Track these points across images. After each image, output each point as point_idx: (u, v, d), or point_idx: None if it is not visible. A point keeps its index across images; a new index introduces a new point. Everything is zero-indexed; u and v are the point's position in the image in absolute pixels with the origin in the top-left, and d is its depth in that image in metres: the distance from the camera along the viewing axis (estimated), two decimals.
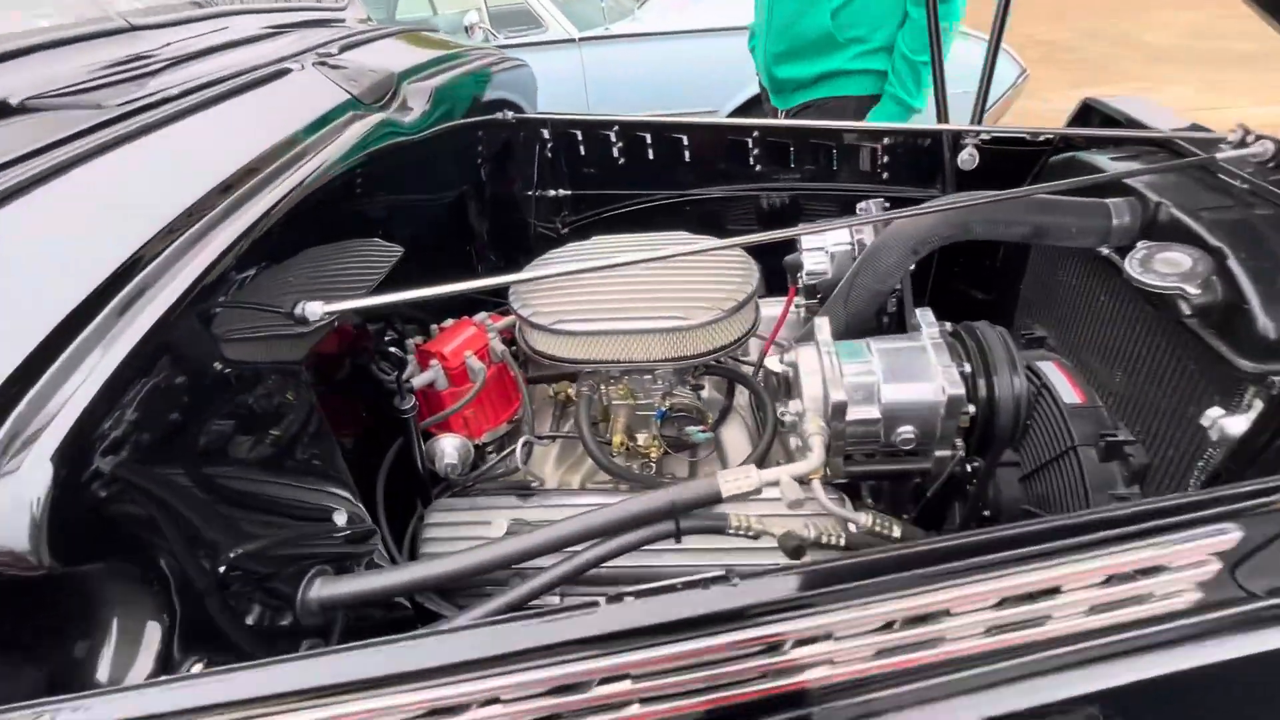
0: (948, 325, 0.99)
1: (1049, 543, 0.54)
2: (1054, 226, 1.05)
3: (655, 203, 1.88)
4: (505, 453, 1.24)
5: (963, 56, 2.75)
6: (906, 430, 0.94)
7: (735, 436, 1.27)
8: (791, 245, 1.44)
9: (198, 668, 0.61)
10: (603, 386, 1.20)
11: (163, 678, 0.56)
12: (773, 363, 1.18)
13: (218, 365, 0.68)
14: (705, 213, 1.89)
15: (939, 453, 0.97)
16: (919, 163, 1.60)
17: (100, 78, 0.89)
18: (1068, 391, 1.19)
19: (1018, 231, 1.06)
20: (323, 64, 1.05)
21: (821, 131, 1.67)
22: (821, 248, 1.32)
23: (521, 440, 1.18)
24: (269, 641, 0.71)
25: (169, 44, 1.03)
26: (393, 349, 1.09)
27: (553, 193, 1.90)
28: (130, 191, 0.71)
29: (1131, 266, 0.94)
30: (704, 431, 1.16)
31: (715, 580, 0.54)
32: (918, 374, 0.94)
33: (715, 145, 1.79)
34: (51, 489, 0.49)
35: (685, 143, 1.79)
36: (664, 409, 1.16)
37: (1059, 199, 1.06)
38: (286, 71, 0.98)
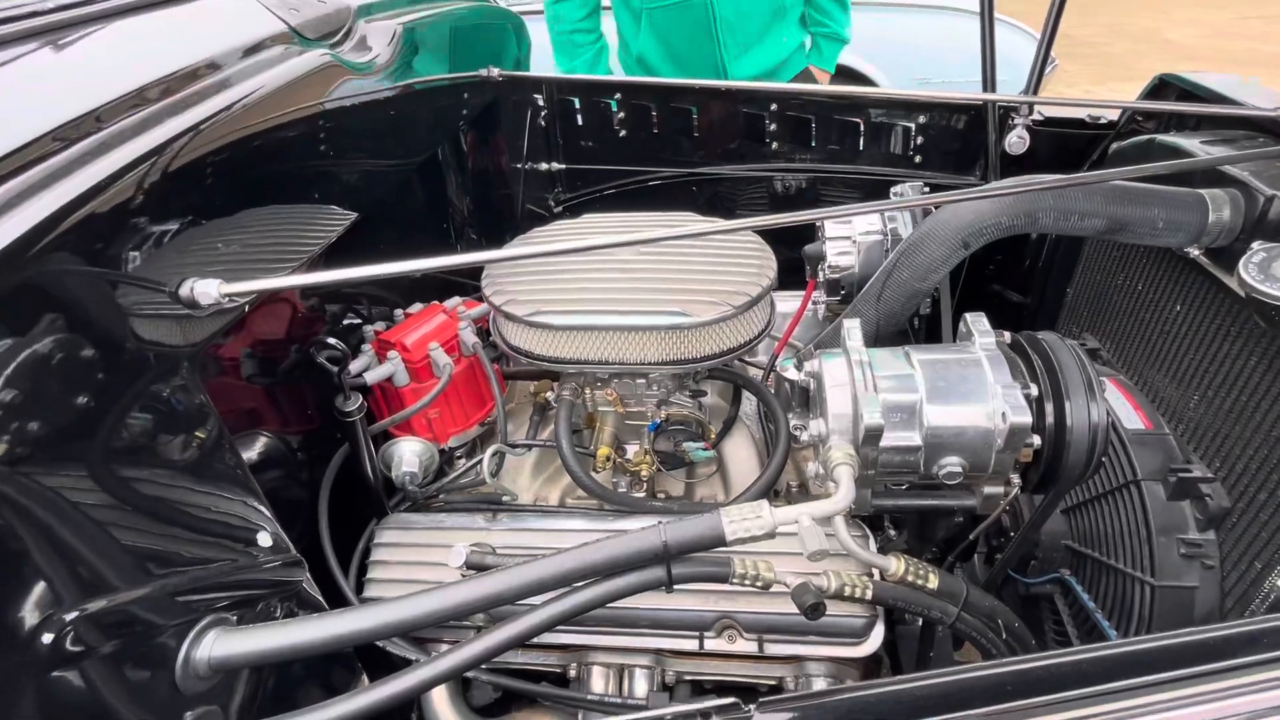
0: (1005, 335, 0.82)
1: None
2: (1137, 220, 0.87)
3: (659, 180, 1.70)
4: (474, 461, 1.07)
5: (1001, 43, 2.55)
6: (952, 463, 0.77)
7: (740, 452, 1.10)
8: (811, 233, 1.27)
9: None
10: (588, 390, 1.03)
11: None
12: (789, 369, 1.01)
13: (77, 343, 0.50)
14: (714, 194, 1.71)
15: (989, 489, 0.80)
16: (958, 145, 1.41)
17: None
18: (1129, 415, 1.02)
19: (1093, 225, 0.89)
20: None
21: (847, 106, 1.48)
22: (847, 236, 1.15)
23: (491, 449, 1.00)
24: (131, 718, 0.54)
25: None
26: (332, 340, 0.92)
27: (545, 166, 1.72)
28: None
29: (1248, 272, 0.76)
30: (705, 449, 0.99)
31: (722, 710, 0.37)
32: (970, 394, 0.77)
33: (727, 120, 1.60)
34: None
35: (694, 116, 1.61)
36: (658, 420, 0.99)
37: (1145, 187, 0.88)
38: None
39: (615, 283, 0.95)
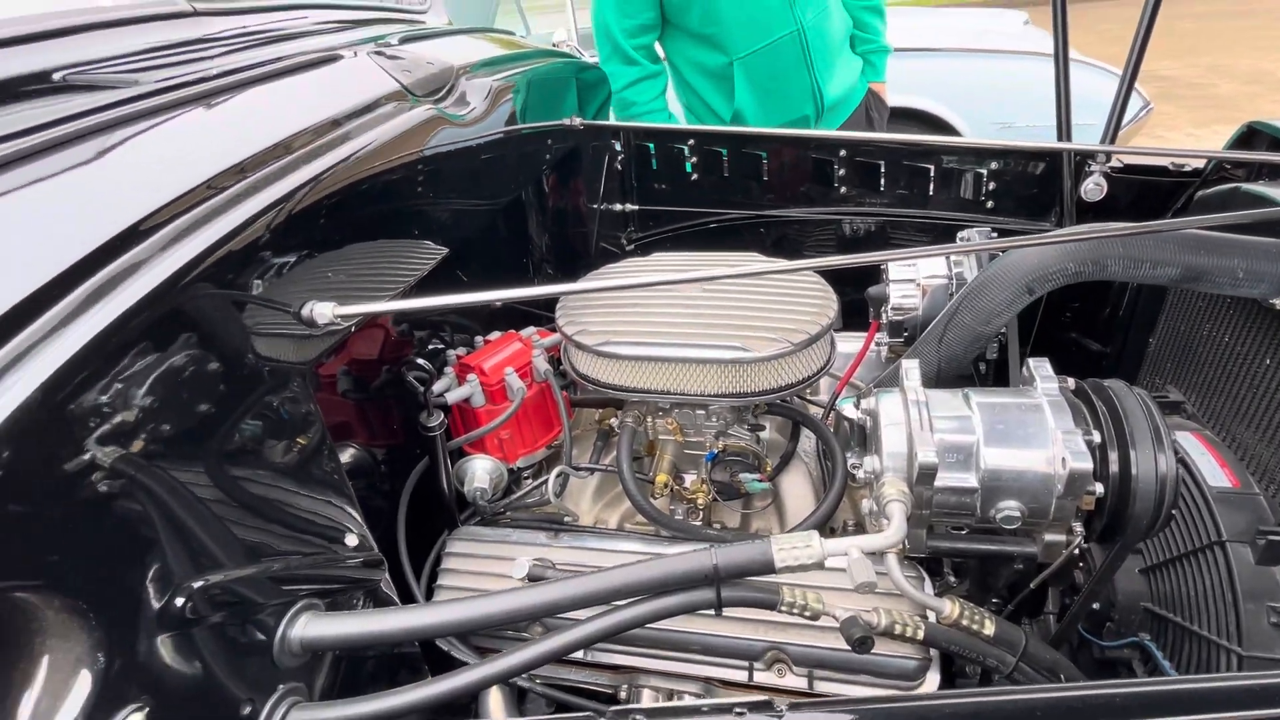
0: (1069, 381, 0.81)
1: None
2: (1214, 269, 0.85)
3: (728, 222, 1.76)
4: (539, 481, 1.13)
5: (1084, 86, 2.51)
6: (1010, 506, 0.77)
7: (796, 487, 1.11)
8: (875, 275, 1.29)
9: (135, 718, 0.52)
10: (650, 418, 1.07)
11: None
12: (847, 407, 1.03)
13: (209, 357, 0.60)
14: (782, 236, 1.76)
15: (1050, 537, 0.79)
16: (1032, 191, 1.40)
17: (149, 58, 0.85)
18: (1214, 472, 0.97)
19: (1166, 274, 0.87)
20: (378, 54, 0.99)
21: (918, 152, 1.50)
22: (912, 280, 1.16)
23: (556, 470, 1.06)
24: (233, 683, 0.62)
25: (230, 30, 1.00)
26: (423, 360, 1.01)
27: (619, 207, 1.81)
28: (143, 165, 0.65)
29: None
30: (761, 481, 1.02)
31: (755, 709, 0.40)
32: (1030, 438, 0.77)
33: (797, 164, 1.65)
34: None
35: (764, 160, 1.66)
36: (716, 450, 1.02)
37: (1225, 236, 0.87)
38: (337, 58, 0.93)
39: (680, 317, 1.00)
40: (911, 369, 0.86)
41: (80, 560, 0.50)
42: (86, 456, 0.49)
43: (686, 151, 1.72)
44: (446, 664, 0.98)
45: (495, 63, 1.23)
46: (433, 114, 0.93)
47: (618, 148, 1.74)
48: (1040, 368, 0.82)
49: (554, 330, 1.25)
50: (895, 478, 0.79)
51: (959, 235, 1.23)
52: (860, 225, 1.66)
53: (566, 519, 1.10)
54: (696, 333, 0.98)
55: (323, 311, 0.68)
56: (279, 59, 0.89)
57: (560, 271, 1.74)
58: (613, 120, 1.82)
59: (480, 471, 1.13)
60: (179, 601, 0.56)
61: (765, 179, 1.68)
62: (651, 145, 1.74)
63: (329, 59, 0.92)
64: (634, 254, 1.85)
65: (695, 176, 1.74)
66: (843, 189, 1.61)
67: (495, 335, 1.28)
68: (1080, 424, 0.76)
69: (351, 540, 0.79)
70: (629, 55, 2.00)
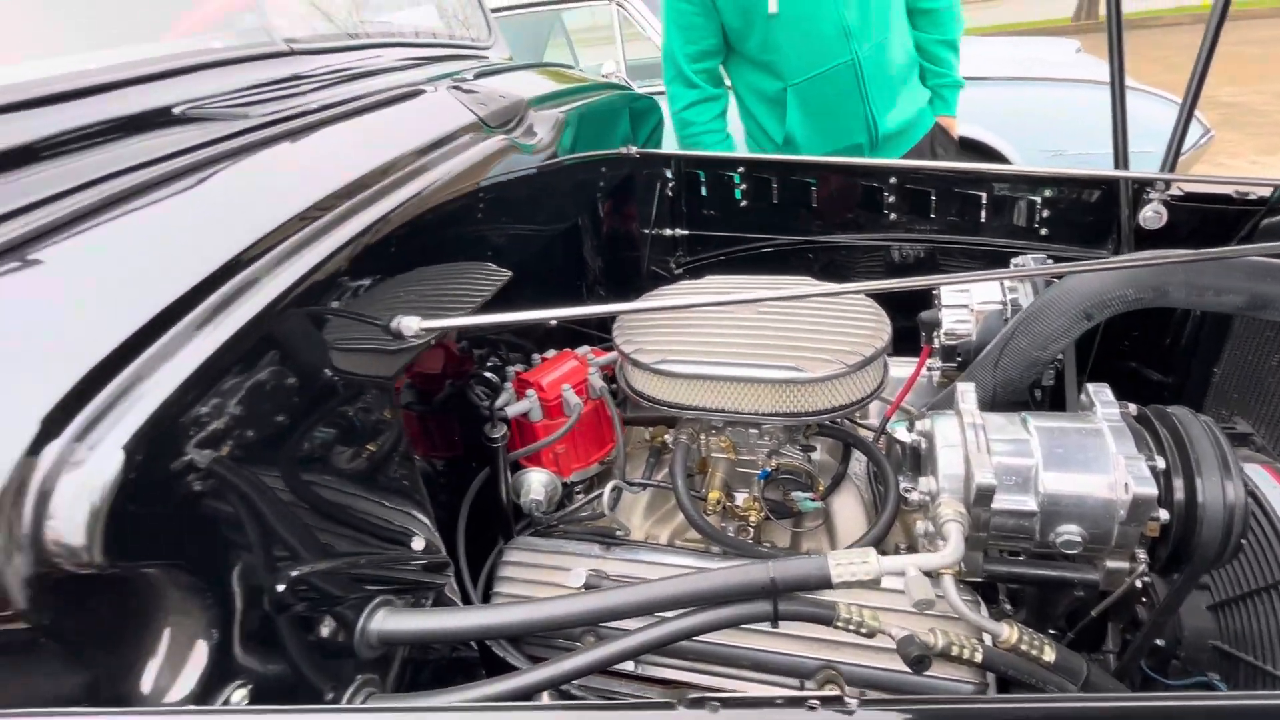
0: (1130, 407, 0.81)
1: None
2: None
3: (776, 247, 1.79)
4: (593, 495, 1.16)
5: (1140, 113, 2.48)
6: (1071, 531, 0.76)
7: (848, 509, 1.12)
8: (926, 300, 1.29)
9: (239, 693, 0.56)
10: (703, 436, 1.10)
11: (202, 708, 0.52)
12: (899, 430, 1.03)
13: (307, 371, 0.66)
14: (830, 261, 1.77)
15: (1112, 564, 0.78)
16: (1088, 218, 1.40)
17: (253, 93, 0.94)
18: None
19: (1231, 301, 0.86)
20: (456, 88, 1.06)
21: (970, 179, 1.51)
22: (965, 305, 1.17)
23: (610, 485, 1.09)
24: (318, 670, 0.66)
25: (321, 68, 1.08)
26: (490, 374, 1.06)
27: (669, 232, 1.85)
28: (250, 195, 0.72)
29: None
30: (813, 500, 1.03)
31: (826, 702, 0.42)
32: (1090, 463, 0.76)
33: (846, 190, 1.67)
34: (117, 482, 0.46)
35: (813, 186, 1.69)
36: (769, 469, 1.04)
37: None
38: (420, 93, 1.00)
39: (735, 337, 1.03)
40: (967, 392, 0.87)
41: (198, 548, 0.56)
42: (205, 457, 0.54)
43: (736, 179, 1.76)
44: (498, 670, 1.01)
45: (558, 95, 1.30)
46: (505, 144, 0.99)
47: (668, 175, 1.79)
48: (1100, 393, 0.82)
49: (607, 349, 1.30)
50: (951, 498, 0.79)
51: (1013, 261, 1.23)
52: (909, 251, 1.67)
53: (618, 533, 1.13)
54: (751, 352, 1.00)
55: (409, 325, 0.73)
56: (368, 94, 0.97)
57: (612, 293, 1.79)
58: (664, 146, 1.87)
59: (536, 484, 1.16)
60: (279, 589, 0.61)
61: (814, 205, 1.71)
62: (701, 173, 1.79)
63: (413, 93, 0.99)
64: (683, 278, 1.89)
65: (744, 203, 1.78)
66: (892, 215, 1.63)
67: (550, 353, 1.33)
68: (1143, 450, 0.76)
69: (421, 544, 0.84)
70: (690, 78, 2.07)
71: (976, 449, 0.80)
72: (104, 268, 0.60)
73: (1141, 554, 0.76)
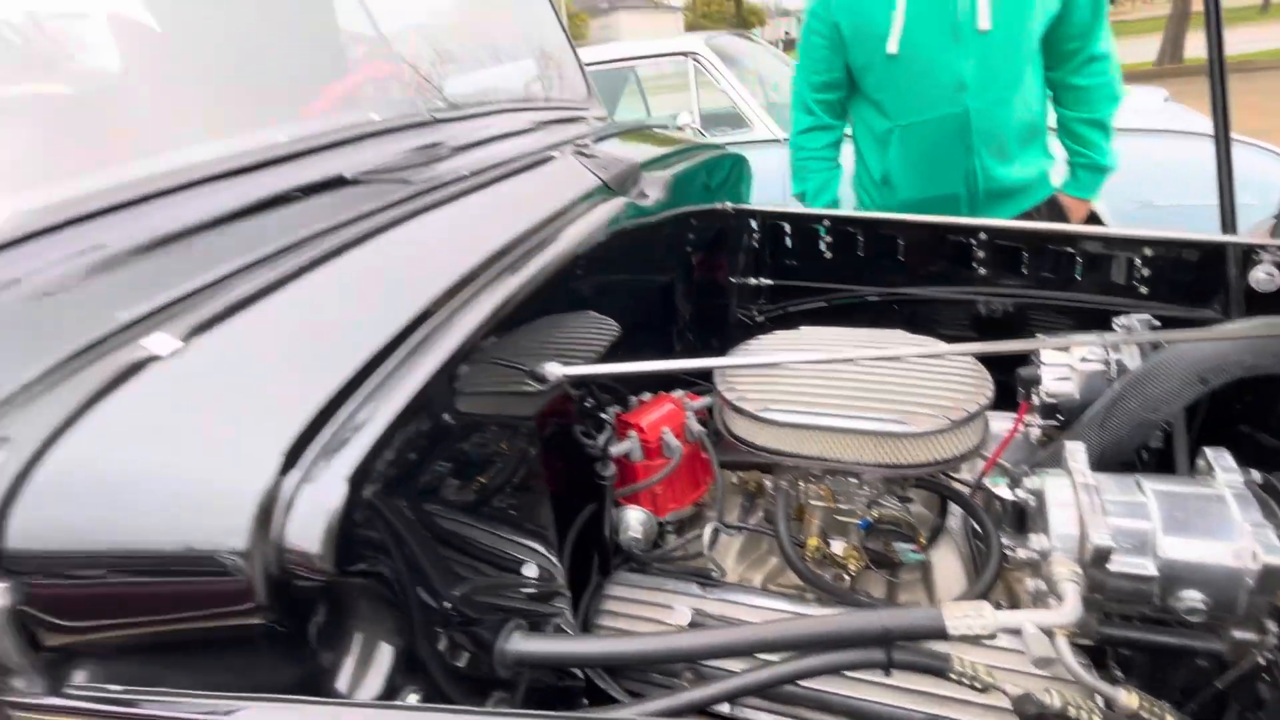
0: (1255, 474, 0.81)
1: None
2: None
3: (860, 298, 1.82)
4: (689, 536, 1.21)
5: (1239, 164, 2.41)
6: (1194, 597, 0.76)
7: (946, 562, 1.12)
8: (1025, 355, 1.30)
9: (413, 699, 0.63)
10: (800, 483, 1.13)
11: (393, 702, 0.59)
12: (1000, 487, 1.04)
13: (471, 413, 0.74)
14: (915, 313, 1.79)
15: (1239, 634, 0.77)
16: (1191, 277, 1.38)
17: (409, 160, 1.06)
18: None
19: None
20: (580, 154, 1.17)
21: (1064, 237, 1.51)
22: (1066, 363, 1.17)
23: (710, 527, 1.14)
24: (464, 685, 0.73)
25: (459, 134, 1.21)
26: (603, 415, 1.13)
27: (754, 281, 1.92)
28: (429, 254, 0.82)
29: None
30: (916, 552, 1.04)
31: None
32: (1213, 530, 0.76)
33: (933, 243, 1.70)
34: (341, 506, 0.54)
35: (899, 241, 1.73)
36: (871, 519, 1.06)
37: None
38: (550, 159, 1.11)
39: (835, 387, 1.07)
40: (1077, 451, 0.88)
41: (387, 565, 0.63)
42: (396, 488, 0.62)
43: (821, 230, 1.81)
44: (599, 701, 1.05)
45: (665, 158, 1.40)
46: (624, 206, 1.08)
47: (754, 226, 1.86)
48: (1220, 458, 0.82)
49: (700, 393, 1.36)
50: (1066, 558, 0.80)
51: (1115, 322, 1.23)
52: (998, 305, 1.67)
53: (713, 573, 1.17)
54: (852, 403, 1.04)
55: (553, 370, 0.81)
56: (506, 160, 1.08)
57: (699, 339, 1.86)
58: (761, 206, 1.93)
59: (634, 522, 1.22)
60: (442, 606, 0.68)
61: (900, 258, 1.74)
62: (787, 225, 1.85)
63: (544, 160, 1.10)
64: (765, 326, 1.94)
65: (829, 255, 1.82)
66: (981, 270, 1.64)
67: (646, 396, 1.40)
68: (1270, 519, 0.75)
69: (547, 573, 0.90)
70: (809, 105, 2.15)
71: (1091, 509, 0.81)
72: (310, 322, 0.70)
73: (1272, 625, 0.75)
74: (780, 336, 1.29)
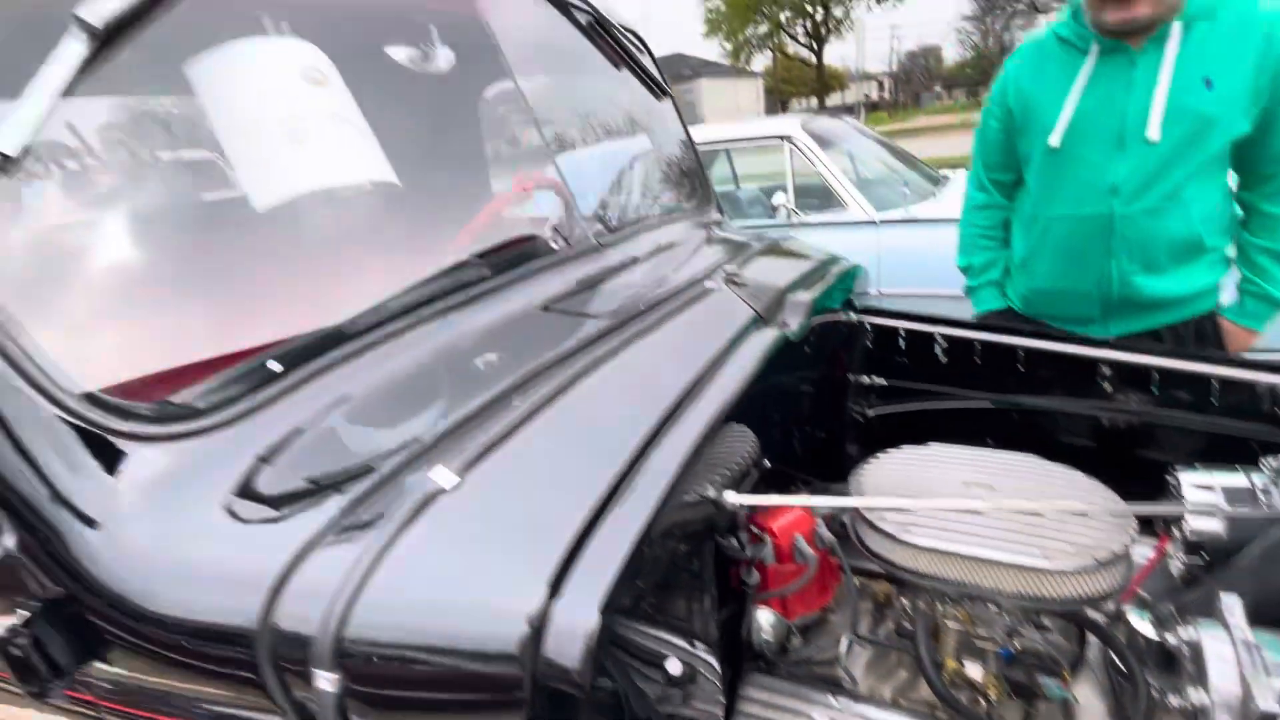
0: None
1: None
2: None
3: (973, 404, 1.85)
4: (817, 641, 1.26)
5: None
6: None
7: (1085, 697, 1.13)
8: (1162, 483, 1.29)
9: None
10: (938, 604, 1.18)
11: None
12: (1144, 624, 1.05)
13: (667, 537, 0.85)
14: (1031, 423, 1.79)
15: None
16: None
17: (584, 288, 1.22)
18: None
19: None
20: (732, 283, 1.30)
21: (1199, 360, 1.52)
22: (1212, 499, 1.18)
23: (846, 639, 1.19)
24: None
25: (619, 258, 1.37)
26: (755, 525, 1.22)
27: (866, 379, 1.98)
28: (631, 391, 0.96)
29: None
30: (1062, 688, 1.06)
31: None
32: None
33: (1054, 358, 1.72)
34: (598, 628, 0.65)
35: (1019, 352, 1.76)
36: (1012, 649, 1.09)
37: None
38: (708, 291, 1.25)
39: (975, 512, 1.12)
40: (1234, 606, 0.90)
41: (609, 674, 0.74)
42: (626, 604, 0.74)
43: (937, 336, 1.87)
44: None
45: (803, 279, 1.52)
46: (777, 334, 1.20)
47: (868, 327, 1.94)
48: None
49: (818, 491, 1.42)
50: (1228, 716, 0.82)
51: (1263, 462, 1.22)
52: (1123, 421, 1.66)
53: (844, 683, 1.21)
54: (993, 532, 1.09)
55: (731, 498, 0.92)
56: (673, 289, 1.22)
57: (812, 431, 1.93)
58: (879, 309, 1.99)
59: (766, 624, 1.28)
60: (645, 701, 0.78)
61: (1020, 367, 1.77)
62: (901, 327, 1.92)
63: (703, 293, 1.24)
64: (875, 423, 1.99)
65: (944, 360, 1.87)
66: (1106, 386, 1.65)
67: (772, 497, 1.47)
68: None
69: (706, 673, 0.99)
70: (982, 183, 2.23)
71: (1253, 669, 0.83)
72: (550, 456, 0.84)
73: None
74: (911, 453, 1.35)
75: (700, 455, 0.91)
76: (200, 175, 1.07)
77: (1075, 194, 1.94)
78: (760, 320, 1.21)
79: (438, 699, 0.67)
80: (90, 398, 0.76)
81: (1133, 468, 1.34)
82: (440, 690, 0.67)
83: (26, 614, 0.72)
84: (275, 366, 0.91)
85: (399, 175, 1.15)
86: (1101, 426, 1.70)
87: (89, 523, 0.72)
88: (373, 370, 0.95)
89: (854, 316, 1.71)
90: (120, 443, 0.76)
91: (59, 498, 0.72)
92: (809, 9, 42.02)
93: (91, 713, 0.80)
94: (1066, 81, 1.90)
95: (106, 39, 0.82)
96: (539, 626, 0.65)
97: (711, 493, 0.94)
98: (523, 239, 1.36)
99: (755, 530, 1.33)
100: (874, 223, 4.25)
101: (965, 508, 1.09)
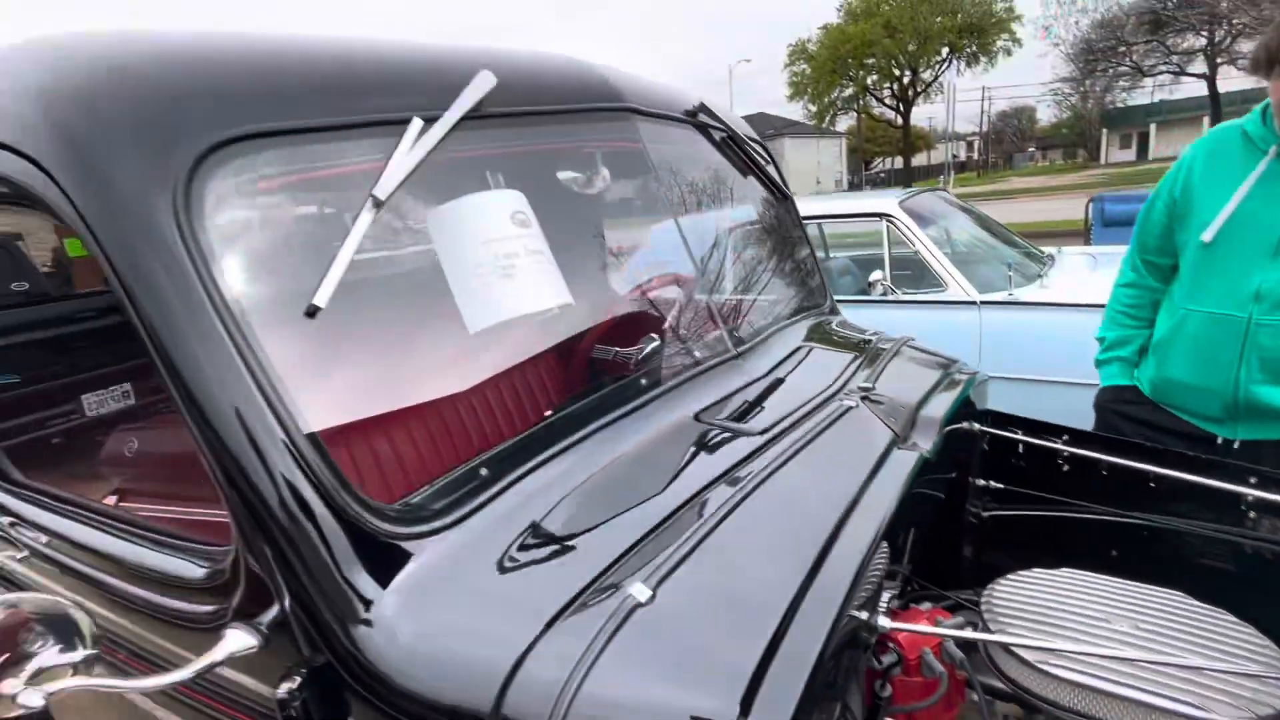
0: None
1: None
2: None
3: (1096, 518, 1.81)
4: None
5: None
6: None
7: None
8: None
9: None
10: None
11: None
12: None
13: (834, 659, 0.92)
14: (1162, 544, 1.73)
15: None
16: None
17: (730, 398, 1.33)
18: None
19: None
20: (867, 399, 1.39)
21: None
22: None
23: None
24: None
25: (762, 368, 1.49)
26: (893, 644, 1.27)
27: (982, 481, 1.99)
28: (795, 508, 1.05)
29: None
30: None
31: None
32: None
33: (1189, 473, 1.68)
34: None
35: (1151, 467, 1.73)
36: None
37: None
38: (848, 409, 1.34)
39: (1121, 650, 1.13)
40: None
41: None
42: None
43: (1060, 445, 1.86)
44: None
45: (932, 391, 1.59)
46: (915, 455, 1.27)
47: (983, 430, 1.95)
48: None
49: (949, 610, 1.44)
50: None
51: None
52: (1268, 550, 1.60)
53: None
54: (1142, 673, 1.09)
55: (884, 622, 0.99)
56: (812, 403, 1.32)
57: (929, 533, 1.94)
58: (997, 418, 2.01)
59: None
60: None
61: (1150, 484, 1.73)
62: (1019, 432, 1.92)
63: (845, 411, 1.33)
64: (989, 525, 1.98)
65: (1066, 469, 1.86)
66: (1250, 513, 1.60)
67: (923, 625, 1.50)
68: None
69: None
70: (1136, 263, 2.23)
71: None
72: (730, 568, 0.94)
73: None
74: (1046, 577, 1.37)
75: (860, 581, 0.99)
76: (427, 307, 1.26)
77: (1219, 292, 1.93)
78: (898, 439, 1.28)
79: None
80: (360, 500, 0.92)
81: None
82: None
83: (299, 679, 0.88)
84: (483, 472, 1.06)
85: (570, 289, 1.32)
86: (1244, 553, 1.64)
87: (358, 606, 0.88)
88: (565, 478, 1.09)
89: (975, 426, 1.74)
90: (381, 539, 0.92)
91: (335, 584, 0.88)
92: (896, 73, 42.23)
93: None
94: (1236, 179, 1.89)
95: (380, 205, 1.02)
96: None
97: (865, 616, 1.01)
98: (664, 345, 1.50)
99: (886, 642, 1.37)
100: (975, 303, 4.21)
101: (1124, 655, 1.10)
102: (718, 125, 1.95)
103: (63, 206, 0.85)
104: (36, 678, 0.80)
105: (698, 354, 1.48)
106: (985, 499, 2.01)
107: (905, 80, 42.80)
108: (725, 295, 1.78)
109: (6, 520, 1.36)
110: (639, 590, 0.87)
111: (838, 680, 0.96)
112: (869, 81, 42.91)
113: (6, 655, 0.82)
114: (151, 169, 0.85)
